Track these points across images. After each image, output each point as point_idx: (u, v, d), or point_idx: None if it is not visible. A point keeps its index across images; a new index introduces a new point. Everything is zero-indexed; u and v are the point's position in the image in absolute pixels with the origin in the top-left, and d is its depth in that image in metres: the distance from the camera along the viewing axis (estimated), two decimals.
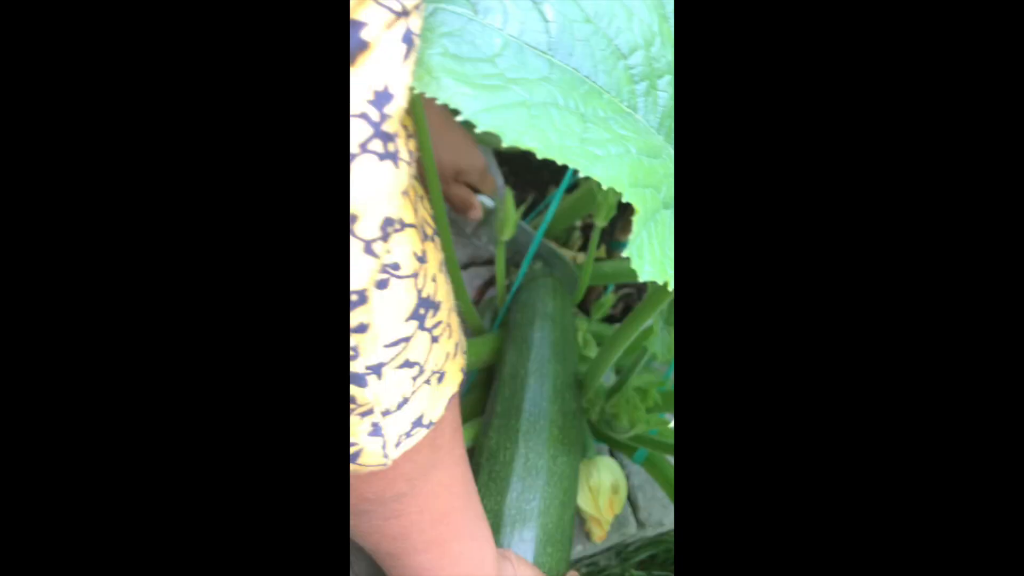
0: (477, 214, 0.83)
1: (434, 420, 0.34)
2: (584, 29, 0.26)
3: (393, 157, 0.24)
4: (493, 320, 0.80)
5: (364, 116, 0.23)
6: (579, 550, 0.77)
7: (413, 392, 0.31)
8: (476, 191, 0.84)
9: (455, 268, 0.73)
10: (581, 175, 0.23)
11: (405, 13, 0.23)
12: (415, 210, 0.29)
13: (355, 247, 0.25)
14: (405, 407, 0.31)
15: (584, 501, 0.72)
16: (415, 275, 0.29)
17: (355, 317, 0.27)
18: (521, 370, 0.69)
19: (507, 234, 0.69)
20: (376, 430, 0.31)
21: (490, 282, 0.89)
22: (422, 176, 0.36)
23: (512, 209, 0.68)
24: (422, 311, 0.30)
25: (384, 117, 0.23)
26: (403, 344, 0.29)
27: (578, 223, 0.93)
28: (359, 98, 0.22)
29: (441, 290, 0.32)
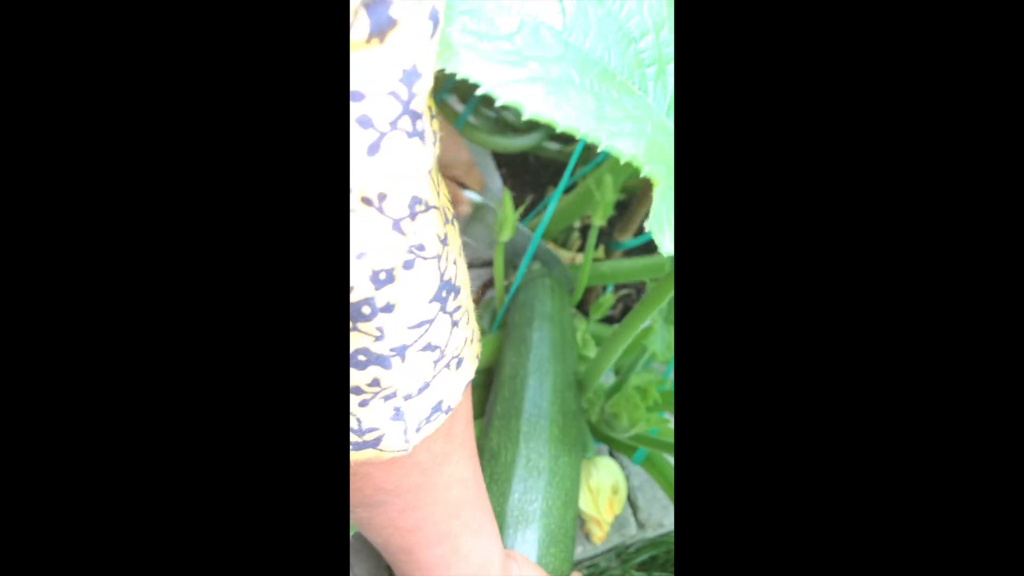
0: (464, 208, 0.83)
1: (452, 406, 0.34)
2: (597, 11, 0.26)
3: (421, 135, 0.24)
4: (492, 321, 0.80)
5: (394, 94, 0.23)
6: (579, 551, 0.77)
7: (434, 376, 0.32)
8: (463, 186, 0.84)
9: None
10: (602, 148, 0.23)
11: None
12: (438, 193, 0.29)
13: (383, 225, 0.25)
14: (426, 391, 0.32)
15: (584, 502, 0.72)
16: (438, 257, 0.29)
17: (383, 296, 0.27)
18: (521, 370, 0.69)
19: (506, 235, 0.69)
20: (398, 414, 0.31)
21: (489, 283, 0.89)
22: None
23: (511, 210, 0.68)
24: (444, 293, 0.30)
25: (412, 95, 0.23)
26: (426, 326, 0.30)
27: (576, 224, 0.93)
28: (389, 76, 0.22)
29: (461, 274, 0.32)
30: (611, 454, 0.81)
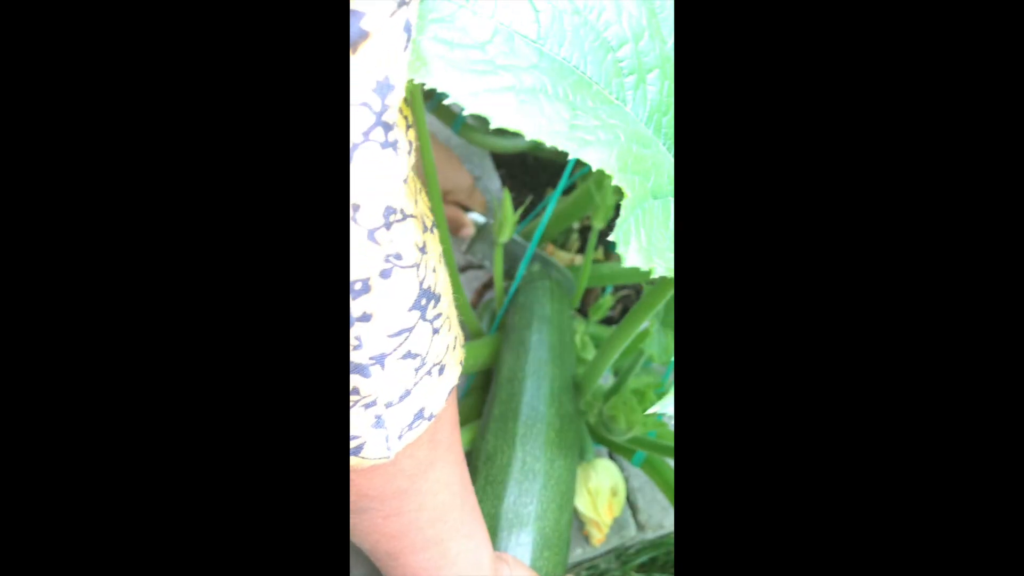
0: (469, 231, 0.84)
1: (435, 413, 0.34)
2: (573, 20, 0.26)
3: (394, 146, 0.24)
4: (491, 323, 0.80)
5: (366, 105, 0.23)
6: (578, 553, 0.77)
7: (415, 384, 0.32)
8: (466, 209, 0.84)
9: (453, 269, 0.72)
10: (571, 157, 0.23)
11: (406, 3, 0.23)
12: (415, 201, 0.29)
13: (358, 235, 0.25)
14: (407, 399, 0.32)
15: (583, 504, 0.72)
16: (416, 265, 0.29)
17: (359, 306, 0.27)
18: (519, 373, 0.69)
19: (506, 235, 0.69)
20: (379, 422, 0.31)
21: (488, 284, 0.89)
22: (419, 170, 0.37)
23: (510, 210, 0.68)
24: (423, 301, 0.30)
25: (385, 107, 0.23)
26: (405, 335, 0.30)
27: (576, 225, 0.92)
28: (361, 87, 0.22)
29: (441, 282, 0.32)
30: (610, 456, 0.81)
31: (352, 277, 0.26)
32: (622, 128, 0.26)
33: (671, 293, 0.51)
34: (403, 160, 0.25)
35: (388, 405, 0.31)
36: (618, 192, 0.25)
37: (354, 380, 0.29)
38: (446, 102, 0.23)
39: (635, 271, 0.82)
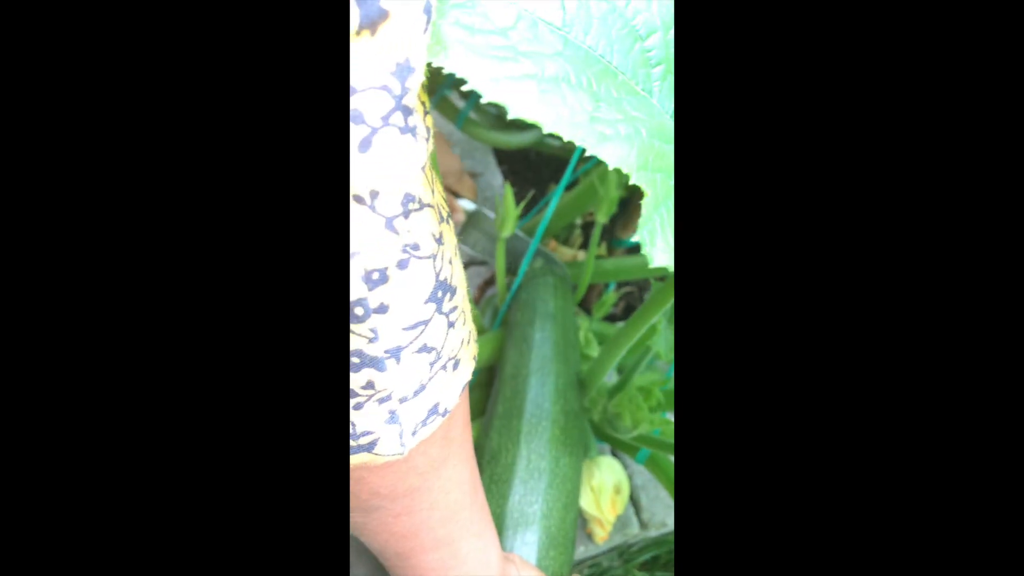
0: (458, 217, 0.83)
1: (449, 408, 0.33)
2: (600, 7, 0.25)
3: (413, 131, 0.24)
4: (493, 319, 0.79)
5: (386, 88, 0.22)
6: (581, 551, 0.76)
7: (430, 378, 0.31)
8: (456, 195, 0.84)
9: None
10: (588, 153, 0.22)
11: None
12: (432, 190, 0.28)
13: (375, 223, 0.24)
14: (422, 394, 0.31)
15: (586, 502, 0.71)
16: (433, 256, 0.28)
17: (376, 297, 0.26)
18: (523, 370, 0.68)
19: (508, 230, 0.68)
20: (393, 417, 0.30)
21: (490, 280, 0.88)
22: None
23: (512, 205, 0.67)
24: (440, 294, 0.29)
25: (405, 90, 0.22)
26: (421, 327, 0.29)
27: (578, 221, 0.92)
28: (380, 69, 0.22)
29: (457, 274, 0.31)
30: (613, 453, 0.81)
31: (369, 266, 0.25)
32: (646, 122, 0.25)
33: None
34: (422, 146, 0.24)
35: (402, 400, 0.30)
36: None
37: (369, 374, 0.28)
38: (464, 88, 0.22)
39: (639, 267, 0.81)
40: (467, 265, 0.90)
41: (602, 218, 0.68)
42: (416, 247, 0.27)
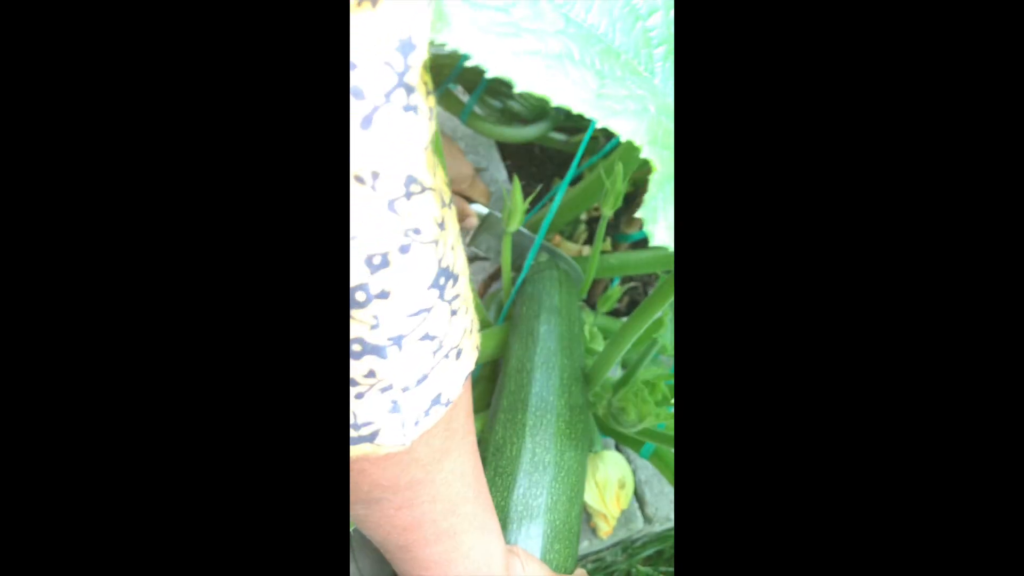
0: (472, 221, 0.83)
1: (452, 399, 0.33)
2: None
3: (415, 110, 0.23)
4: (498, 313, 0.79)
5: (388, 64, 0.22)
6: (585, 546, 0.76)
7: (432, 368, 0.31)
8: (469, 200, 0.83)
9: None
10: (599, 125, 0.22)
11: None
12: (434, 174, 0.28)
13: (377, 205, 0.24)
14: (424, 383, 0.31)
15: (591, 496, 0.71)
16: (436, 242, 0.28)
17: (378, 282, 0.26)
18: (528, 363, 0.68)
19: (514, 224, 0.68)
20: (395, 407, 0.30)
21: (494, 276, 0.88)
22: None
23: (519, 199, 0.67)
24: (442, 280, 0.29)
25: (408, 67, 0.22)
26: (424, 315, 0.29)
27: (583, 216, 0.91)
28: (383, 45, 0.21)
29: (459, 261, 0.31)
30: (618, 448, 0.80)
31: (371, 250, 0.25)
32: (651, 100, 0.25)
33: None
34: (424, 125, 0.24)
35: (405, 390, 0.30)
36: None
37: (371, 362, 0.28)
38: (469, 63, 0.22)
39: (644, 262, 0.81)
40: (472, 260, 0.90)
41: (609, 211, 0.68)
42: (418, 231, 0.27)
